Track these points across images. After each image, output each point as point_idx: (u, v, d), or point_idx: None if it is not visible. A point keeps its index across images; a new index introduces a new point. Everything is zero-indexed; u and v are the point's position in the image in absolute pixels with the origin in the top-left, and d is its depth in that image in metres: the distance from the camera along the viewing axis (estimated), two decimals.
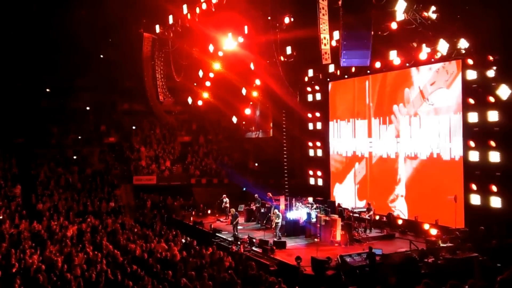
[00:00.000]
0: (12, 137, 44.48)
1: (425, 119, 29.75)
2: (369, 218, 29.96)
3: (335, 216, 28.80)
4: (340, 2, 26.02)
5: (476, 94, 25.97)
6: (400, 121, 31.60)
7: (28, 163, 43.43)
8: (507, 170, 24.52)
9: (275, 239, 27.83)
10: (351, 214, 29.64)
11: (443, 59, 27.33)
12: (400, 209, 31.41)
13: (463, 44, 25.50)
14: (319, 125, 38.70)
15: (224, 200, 36.44)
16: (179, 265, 20.81)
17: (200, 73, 41.97)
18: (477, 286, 15.51)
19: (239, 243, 27.84)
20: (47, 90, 50.19)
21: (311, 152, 39.74)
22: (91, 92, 51.18)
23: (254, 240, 27.69)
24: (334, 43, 29.40)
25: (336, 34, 29.31)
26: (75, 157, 47.04)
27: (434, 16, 25.53)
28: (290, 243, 27.98)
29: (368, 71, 32.78)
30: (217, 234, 31.43)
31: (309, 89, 39.19)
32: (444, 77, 28.31)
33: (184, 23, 38.37)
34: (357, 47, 24.73)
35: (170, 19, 39.57)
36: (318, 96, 38.58)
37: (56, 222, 33.10)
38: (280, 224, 29.26)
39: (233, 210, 31.83)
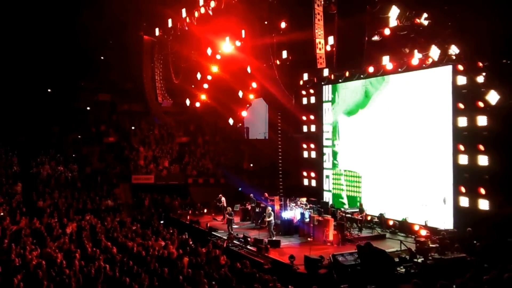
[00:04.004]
0: (14, 135, 44.77)
1: (417, 120, 30.33)
2: (361, 218, 30.37)
3: (328, 217, 29.23)
4: (335, 8, 26.69)
5: (465, 99, 26.46)
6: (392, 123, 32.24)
7: (29, 161, 43.86)
8: (495, 173, 25.01)
9: (269, 238, 28.35)
10: (344, 214, 30.06)
11: (434, 64, 27.80)
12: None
13: (453, 50, 25.92)
14: (313, 128, 39.07)
15: (221, 199, 36.91)
16: (176, 263, 21.33)
17: (198, 76, 42.39)
18: (465, 286, 16.15)
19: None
20: (49, 90, 50.53)
21: (305, 154, 40.10)
22: (91, 93, 51.60)
23: (248, 239, 28.14)
24: (328, 48, 29.92)
25: (331, 39, 29.87)
26: (75, 156, 47.41)
27: (426, 22, 25.95)
28: (284, 242, 28.38)
29: (362, 76, 33.12)
30: (213, 232, 31.87)
31: (303, 92, 39.58)
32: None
33: (183, 26, 38.90)
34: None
35: (169, 23, 40.08)
36: (313, 99, 38.98)
37: (56, 219, 33.47)
38: (273, 222, 29.88)
39: (229, 208, 32.38)
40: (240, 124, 47.87)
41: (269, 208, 30.93)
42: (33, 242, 26.00)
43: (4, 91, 44.69)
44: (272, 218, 29.80)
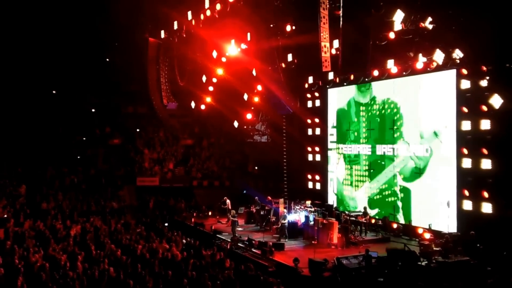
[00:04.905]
0: (18, 137, 44.79)
1: (421, 124, 30.38)
2: (365, 221, 30.48)
3: (333, 219, 29.28)
4: (340, 12, 26.77)
5: (469, 103, 26.48)
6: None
7: (33, 163, 43.84)
8: (499, 177, 25.05)
9: (278, 241, 28.52)
10: (348, 217, 30.11)
11: (438, 68, 27.86)
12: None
13: (458, 54, 26.03)
14: (318, 131, 39.21)
15: (226, 202, 36.83)
16: (180, 265, 21.40)
17: (204, 78, 42.46)
18: None
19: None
20: (53, 92, 50.61)
21: (310, 157, 40.21)
22: (96, 95, 51.68)
23: (253, 242, 28.21)
24: (334, 51, 29.99)
25: (336, 43, 29.94)
26: (79, 158, 47.48)
27: (430, 26, 26.04)
28: (289, 245, 28.46)
29: (366, 79, 33.22)
30: (217, 235, 31.90)
31: (308, 95, 39.68)
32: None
33: (188, 29, 38.94)
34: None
35: (175, 25, 40.16)
36: (318, 103, 39.05)
37: (60, 221, 33.48)
38: (286, 225, 30.01)
39: (233, 211, 32.43)
40: (245, 126, 47.95)
41: (284, 210, 31.24)
42: (36, 244, 26.11)
43: (8, 92, 44.75)
44: (286, 221, 29.97)
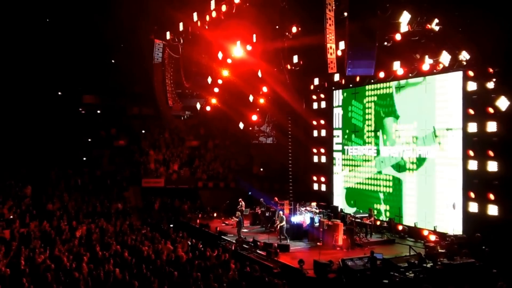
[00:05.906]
0: (24, 138, 44.76)
1: (426, 125, 30.26)
2: (370, 223, 30.51)
3: (338, 221, 29.37)
4: (346, 13, 26.68)
5: (476, 105, 26.44)
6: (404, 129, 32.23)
7: (39, 164, 43.84)
8: (504, 179, 25.01)
9: (279, 243, 28.40)
10: (353, 219, 30.17)
11: (445, 70, 27.80)
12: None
13: (464, 56, 25.98)
14: (323, 132, 39.27)
15: (241, 203, 36.38)
16: (186, 266, 21.39)
17: (209, 80, 42.44)
18: None
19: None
20: (59, 93, 50.63)
21: (315, 159, 40.28)
22: (102, 96, 51.70)
23: (258, 243, 28.25)
24: (339, 53, 29.87)
25: (342, 44, 29.82)
26: (85, 159, 47.49)
27: (437, 28, 25.93)
28: (294, 246, 28.49)
29: (372, 81, 33.27)
30: (222, 236, 31.95)
31: (314, 97, 39.74)
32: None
33: (194, 30, 38.89)
34: (362, 57, 25.31)
35: (181, 27, 40.11)
36: (323, 104, 39.14)
37: (65, 223, 33.51)
38: (285, 227, 29.91)
39: (238, 213, 32.42)
40: (251, 128, 47.92)
41: (281, 212, 31.17)
42: (42, 245, 26.14)
43: (14, 93, 44.78)
44: (284, 223, 29.89)
